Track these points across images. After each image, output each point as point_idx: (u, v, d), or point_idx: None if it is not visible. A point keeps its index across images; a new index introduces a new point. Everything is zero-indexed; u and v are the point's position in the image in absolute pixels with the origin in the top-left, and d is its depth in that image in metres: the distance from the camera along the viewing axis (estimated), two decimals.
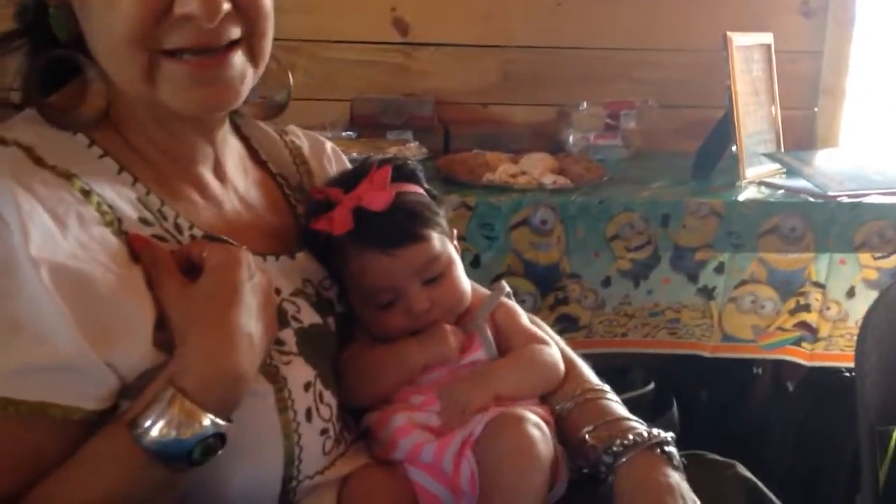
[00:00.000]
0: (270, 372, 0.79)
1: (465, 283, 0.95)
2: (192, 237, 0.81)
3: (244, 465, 0.76)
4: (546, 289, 1.74)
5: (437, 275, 0.91)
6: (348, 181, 0.93)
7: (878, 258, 1.75)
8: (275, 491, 0.79)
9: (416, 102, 2.14)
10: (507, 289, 0.99)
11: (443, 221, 0.94)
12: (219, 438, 0.71)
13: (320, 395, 0.83)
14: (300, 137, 1.04)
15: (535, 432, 0.83)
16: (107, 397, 0.71)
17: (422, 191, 0.95)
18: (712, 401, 2.17)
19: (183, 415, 0.69)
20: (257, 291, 0.77)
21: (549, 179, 1.80)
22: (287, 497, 0.80)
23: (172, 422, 0.69)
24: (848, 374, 1.84)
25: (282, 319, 0.83)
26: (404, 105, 2.14)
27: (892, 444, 1.43)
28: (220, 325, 0.73)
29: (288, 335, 0.83)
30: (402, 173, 0.93)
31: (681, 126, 2.22)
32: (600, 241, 1.73)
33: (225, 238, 0.80)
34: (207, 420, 0.70)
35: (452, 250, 0.95)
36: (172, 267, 0.75)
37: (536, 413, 0.88)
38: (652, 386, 1.99)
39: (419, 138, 2.04)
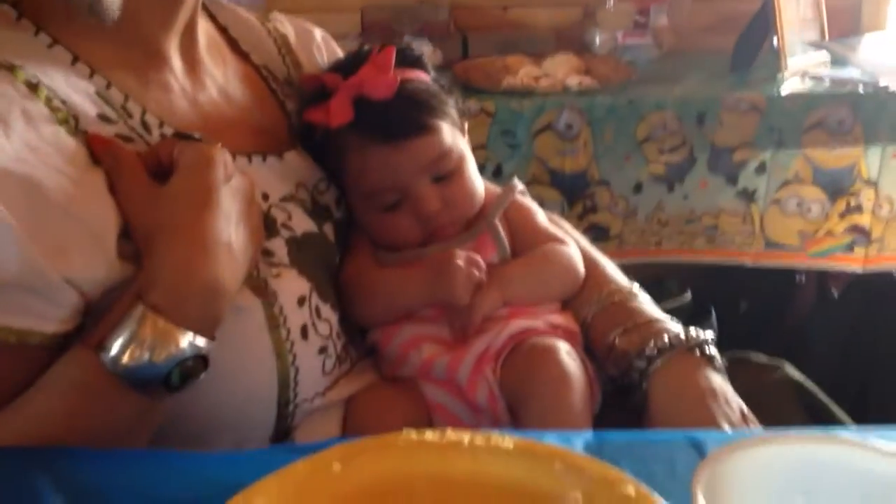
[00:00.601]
0: (258, 286, 0.71)
1: (479, 182, 0.85)
2: (163, 136, 0.71)
3: (233, 389, 0.69)
4: (573, 197, 1.64)
5: (447, 171, 0.82)
6: (347, 67, 0.82)
7: None
8: (270, 416, 0.71)
9: (431, 7, 2.03)
10: (521, 186, 0.89)
11: (453, 112, 0.84)
12: (199, 360, 0.63)
13: (317, 310, 0.74)
14: (285, 24, 0.93)
15: (568, 362, 0.75)
16: (68, 318, 0.63)
17: (429, 78, 0.85)
18: (753, 310, 2.08)
19: (156, 334, 0.61)
20: (237, 195, 0.67)
21: (573, 80, 1.69)
22: (284, 421, 0.73)
23: (145, 342, 0.60)
24: None
25: (270, 227, 0.75)
26: (418, 11, 2.03)
27: None
28: (192, 231, 0.64)
29: (278, 245, 0.75)
30: (407, 58, 0.83)
31: (715, 21, 2.09)
32: (631, 143, 1.63)
33: (199, 136, 0.70)
34: (185, 339, 0.62)
35: (464, 145, 0.85)
36: (138, 169, 0.66)
37: (557, 323, 0.80)
38: (689, 295, 1.90)
39: (435, 45, 1.93)
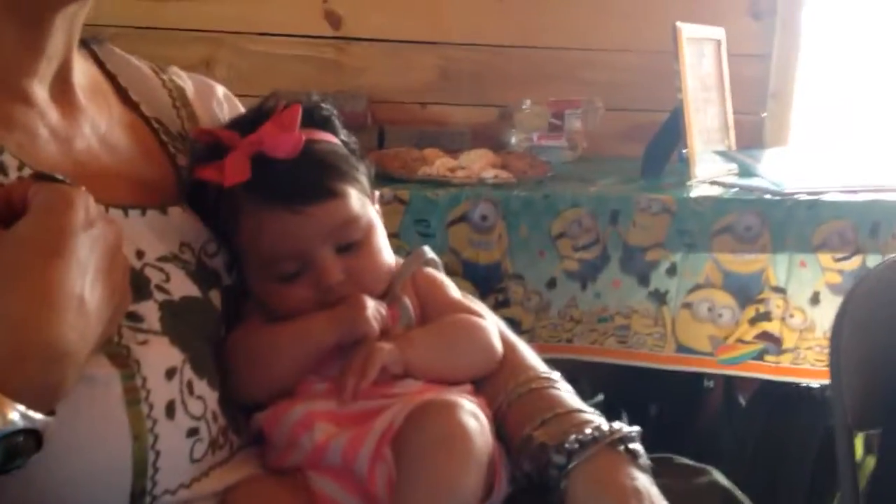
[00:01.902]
0: (118, 353, 0.62)
1: (388, 254, 0.79)
2: (21, 179, 0.63)
3: (75, 474, 0.58)
4: (486, 290, 1.59)
5: (354, 241, 0.75)
6: (247, 123, 0.76)
7: (839, 259, 1.65)
8: None
9: (349, 99, 2.01)
10: (431, 254, 0.84)
11: (363, 178, 0.79)
12: (31, 437, 0.53)
13: (189, 386, 0.65)
14: (183, 78, 0.87)
15: (469, 422, 0.66)
16: None
17: (338, 141, 0.79)
18: (663, 414, 2.05)
19: None
20: (97, 244, 0.58)
21: (490, 174, 1.68)
22: None
23: None
24: (805, 384, 1.75)
25: (141, 288, 0.66)
26: (335, 102, 1.97)
27: (860, 448, 1.31)
28: (35, 280, 0.54)
29: (149, 309, 0.66)
30: (315, 118, 0.78)
31: (627, 129, 2.14)
32: (545, 239, 1.60)
33: (62, 177, 0.61)
34: (14, 412, 0.51)
35: (374, 214, 0.79)
36: None
37: (469, 399, 0.72)
38: (601, 397, 1.86)
39: (352, 135, 1.90)
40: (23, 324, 0.53)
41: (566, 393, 0.77)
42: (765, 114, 2.22)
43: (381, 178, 1.66)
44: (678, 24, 1.77)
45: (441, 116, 2.14)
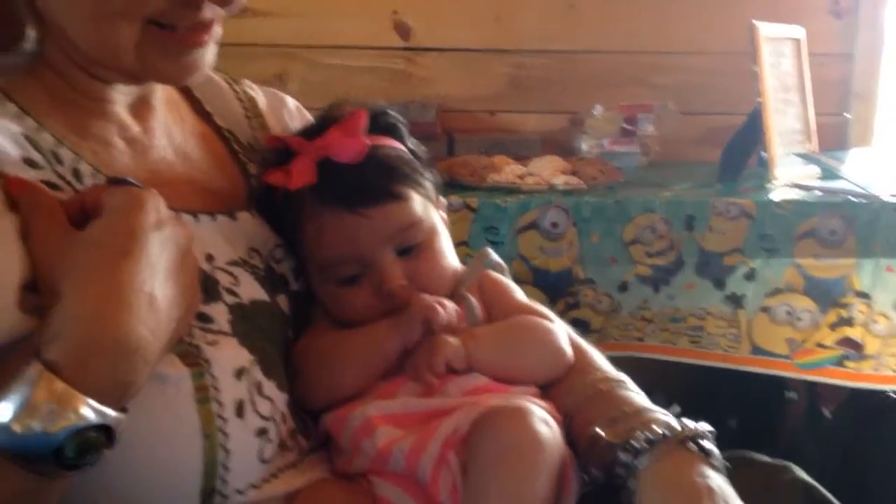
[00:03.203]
0: (189, 352, 0.62)
1: (452, 259, 0.78)
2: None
3: (149, 470, 0.59)
4: (556, 296, 1.57)
5: (415, 244, 0.75)
6: (313, 129, 0.77)
7: None
8: None
9: (419, 109, 2.03)
10: (495, 257, 0.82)
11: (427, 184, 0.78)
12: (103, 432, 0.54)
13: (258, 386, 0.66)
14: (255, 89, 0.89)
15: (542, 429, 0.65)
16: None
17: (403, 147, 0.79)
18: (742, 428, 1.98)
19: (52, 398, 0.52)
20: (168, 244, 0.60)
21: (559, 180, 1.66)
22: None
23: (37, 408, 0.51)
24: (894, 394, 1.67)
25: (211, 290, 0.67)
26: (405, 112, 2.00)
27: None
28: (107, 279, 0.55)
29: (218, 311, 0.67)
30: (381, 125, 0.78)
31: (702, 134, 2.10)
32: (617, 245, 1.57)
33: (133, 180, 0.63)
34: (86, 407, 0.52)
35: (437, 219, 0.79)
36: (57, 212, 0.59)
37: (538, 404, 0.70)
38: (677, 409, 1.81)
39: (421, 145, 1.90)
40: (94, 321, 0.54)
41: (635, 394, 0.74)
42: (848, 115, 2.14)
43: (451, 186, 1.66)
44: (755, 22, 1.72)
45: (511, 124, 2.13)
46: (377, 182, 0.73)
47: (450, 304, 0.73)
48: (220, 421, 0.62)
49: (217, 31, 0.68)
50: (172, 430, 0.60)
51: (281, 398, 0.68)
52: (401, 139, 0.79)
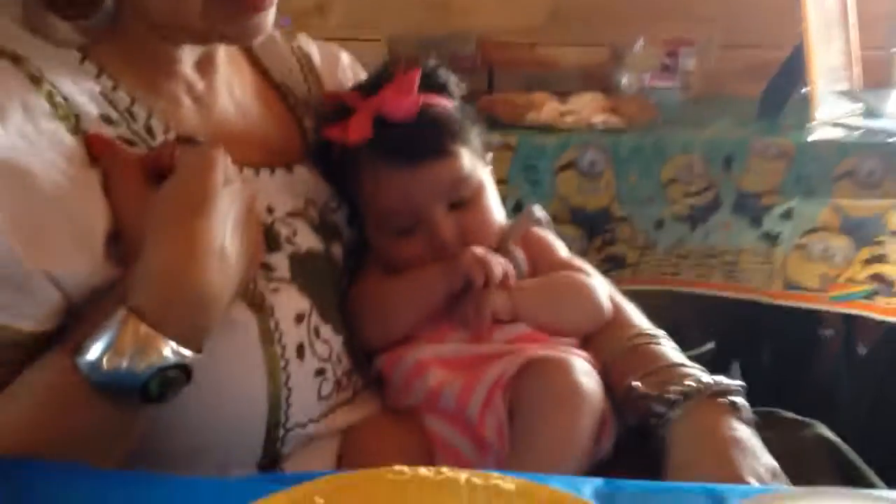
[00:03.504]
0: (254, 299, 0.68)
1: (499, 213, 0.82)
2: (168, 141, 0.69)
3: (219, 406, 0.65)
4: (593, 232, 1.61)
5: (465, 198, 0.79)
6: (368, 86, 0.81)
7: None
8: (257, 439, 0.67)
9: (457, 40, 2.03)
10: (540, 213, 0.86)
11: (475, 140, 0.82)
12: (182, 371, 0.60)
13: (316, 330, 0.71)
14: (310, 45, 0.92)
15: (585, 380, 0.70)
16: (47, 317, 0.60)
17: (453, 104, 0.82)
18: (776, 364, 2.02)
19: (137, 340, 0.57)
20: (236, 201, 0.64)
21: (599, 118, 1.67)
22: (274, 447, 0.68)
23: (124, 348, 0.57)
24: None
25: (272, 241, 0.72)
26: (444, 44, 2.02)
27: None
28: (184, 233, 0.60)
29: (279, 259, 0.72)
30: (432, 82, 0.81)
31: (744, 68, 2.07)
32: (655, 185, 1.59)
33: (202, 140, 0.68)
34: (167, 348, 0.58)
35: (486, 174, 0.82)
36: (135, 169, 0.64)
37: (580, 355, 0.75)
38: (711, 345, 1.84)
39: (460, 79, 1.90)
40: (174, 273, 0.60)
41: (670, 349, 0.78)
42: (894, 49, 2.10)
43: (490, 124, 1.66)
44: None
45: (551, 57, 2.13)
46: (430, 138, 0.77)
47: (499, 260, 0.76)
48: (283, 362, 0.67)
49: None
50: (241, 369, 0.66)
51: (337, 340, 0.73)
52: (450, 96, 0.82)
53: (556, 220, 1.57)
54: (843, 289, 1.62)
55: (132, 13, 0.68)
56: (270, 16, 0.71)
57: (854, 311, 1.66)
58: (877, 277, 1.61)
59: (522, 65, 2.09)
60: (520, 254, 0.81)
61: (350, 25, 2.05)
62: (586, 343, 0.80)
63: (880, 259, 1.61)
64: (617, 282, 0.86)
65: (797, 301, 1.63)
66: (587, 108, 1.74)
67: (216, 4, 0.66)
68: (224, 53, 0.78)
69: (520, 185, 1.58)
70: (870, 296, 1.63)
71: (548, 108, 1.71)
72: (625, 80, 1.98)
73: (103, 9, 0.66)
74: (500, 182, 1.63)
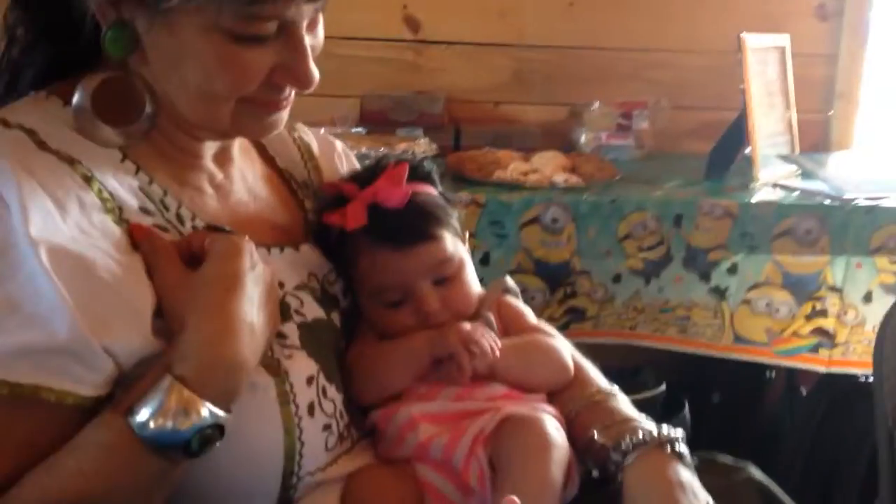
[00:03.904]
0: (272, 365, 0.78)
1: (476, 285, 0.93)
2: (194, 228, 0.80)
3: (243, 457, 0.75)
4: (555, 286, 1.72)
5: (448, 275, 0.90)
6: (364, 177, 0.92)
7: (895, 262, 1.72)
8: (274, 486, 0.77)
9: (427, 99, 2.13)
10: (511, 283, 0.97)
11: (456, 224, 0.94)
12: (217, 429, 0.70)
13: (323, 390, 0.81)
14: (308, 135, 1.03)
15: (555, 434, 0.82)
16: (103, 384, 0.69)
17: (436, 192, 0.94)
18: (724, 404, 2.14)
19: (181, 404, 0.67)
20: (259, 282, 0.76)
21: (560, 177, 1.78)
22: (287, 493, 0.78)
23: (170, 411, 0.67)
24: (863, 379, 1.82)
25: (284, 313, 0.82)
26: (414, 102, 2.12)
27: None
28: (220, 312, 0.71)
29: (290, 329, 0.82)
30: (419, 173, 0.93)
31: (694, 127, 2.21)
32: (612, 240, 1.72)
33: (228, 228, 0.79)
34: (206, 410, 0.68)
35: (465, 253, 0.94)
36: (173, 255, 0.74)
37: (548, 411, 0.86)
38: (663, 387, 1.96)
39: (429, 136, 2.02)
40: (213, 346, 0.71)
41: (623, 404, 0.91)
42: (831, 112, 2.27)
43: (459, 181, 1.78)
44: (743, 35, 1.84)
45: (514, 115, 2.24)
46: (419, 225, 0.88)
47: (484, 336, 0.87)
48: (297, 419, 0.78)
49: (292, 97, 0.81)
50: (262, 426, 0.76)
51: (339, 398, 0.83)
52: (434, 184, 0.94)
53: (521, 272, 1.69)
54: (788, 343, 1.76)
55: (168, 118, 0.79)
56: (286, 114, 0.82)
57: (800, 365, 1.79)
58: (819, 331, 1.76)
59: (487, 122, 2.19)
60: (492, 318, 0.92)
61: (324, 81, 2.14)
62: (552, 399, 0.91)
63: (822, 313, 1.75)
64: (578, 334, 0.98)
65: (745, 355, 1.77)
66: (549, 165, 1.85)
67: (242, 111, 0.77)
68: (238, 144, 0.89)
69: (487, 238, 1.69)
70: (814, 349, 1.77)
71: (513, 167, 1.82)
72: (583, 138, 2.10)
73: (144, 115, 0.76)
74: (470, 235, 1.75)
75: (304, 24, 0.76)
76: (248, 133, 0.84)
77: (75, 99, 0.75)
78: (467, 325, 0.87)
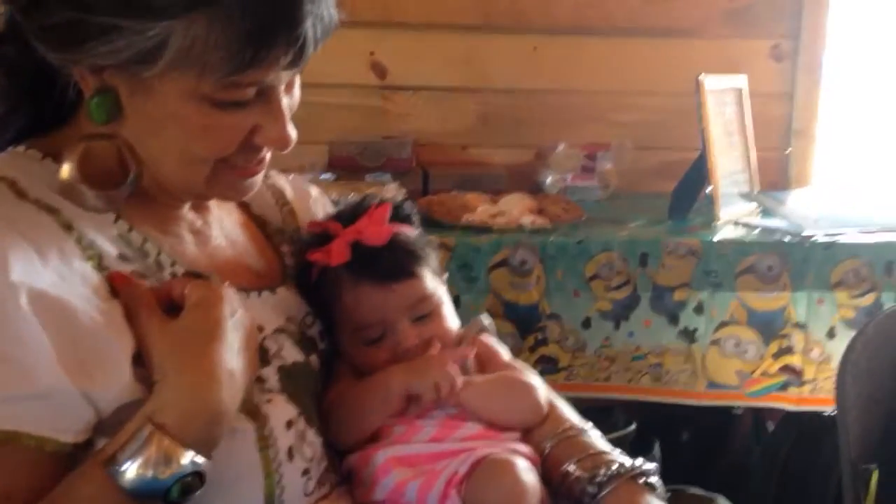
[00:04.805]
0: (251, 410, 0.78)
1: (454, 322, 0.95)
2: (174, 274, 0.81)
3: (224, 502, 0.75)
4: (526, 330, 1.73)
5: (427, 312, 0.92)
6: (347, 217, 0.94)
7: (855, 297, 1.77)
8: None
9: (395, 144, 2.15)
10: (488, 322, 0.99)
11: (434, 263, 0.96)
12: (197, 477, 0.70)
13: (303, 434, 0.81)
14: (282, 180, 1.05)
15: (526, 477, 0.82)
16: (82, 430, 0.70)
17: (416, 232, 0.96)
18: (694, 441, 2.16)
19: (161, 452, 0.68)
20: (239, 328, 0.76)
21: (527, 220, 1.81)
22: None
23: (150, 460, 0.67)
24: (829, 413, 1.85)
25: (263, 357, 0.82)
26: (382, 147, 2.15)
27: (874, 481, 1.42)
28: (200, 360, 0.72)
29: (270, 373, 0.82)
30: (399, 214, 0.95)
31: (657, 167, 2.26)
32: (579, 281, 1.74)
33: (207, 274, 0.79)
34: (186, 458, 0.69)
35: (443, 292, 0.96)
36: (152, 303, 0.75)
37: (522, 452, 0.87)
38: (633, 427, 1.98)
39: (397, 180, 2.04)
40: (193, 394, 0.71)
41: (596, 439, 0.93)
42: (789, 150, 2.33)
43: (428, 225, 1.79)
44: (701, 77, 1.89)
45: (481, 158, 2.27)
46: (400, 262, 0.91)
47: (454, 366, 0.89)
48: (276, 464, 0.78)
49: (268, 158, 0.83)
50: (241, 471, 0.76)
51: (318, 442, 0.84)
52: (413, 225, 0.96)
53: (491, 315, 1.69)
54: (758, 383, 1.79)
55: (149, 178, 0.81)
56: (262, 175, 0.84)
57: (771, 405, 1.82)
58: (787, 369, 1.79)
59: (455, 165, 2.22)
60: (470, 362, 0.93)
61: (295, 129, 2.16)
62: (526, 435, 0.92)
63: (788, 351, 1.78)
64: (552, 386, 0.99)
65: (719, 401, 1.79)
66: (516, 207, 1.87)
67: (218, 175, 0.79)
68: None
69: (457, 282, 1.70)
70: (783, 387, 1.80)
71: (481, 210, 1.85)
72: (549, 179, 2.13)
73: (128, 181, 0.78)
74: None
75: (282, 87, 0.78)
76: (224, 196, 0.86)
77: (63, 171, 0.76)
78: (438, 352, 0.89)
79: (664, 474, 0.89)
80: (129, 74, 0.74)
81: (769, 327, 1.77)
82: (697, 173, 1.92)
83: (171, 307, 0.75)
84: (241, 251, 0.92)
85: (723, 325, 1.77)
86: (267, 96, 0.77)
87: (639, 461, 0.86)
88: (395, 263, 0.90)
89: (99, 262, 0.75)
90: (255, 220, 0.97)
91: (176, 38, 0.70)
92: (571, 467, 0.87)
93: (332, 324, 0.93)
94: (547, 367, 1.73)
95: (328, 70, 2.16)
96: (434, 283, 0.93)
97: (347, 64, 2.19)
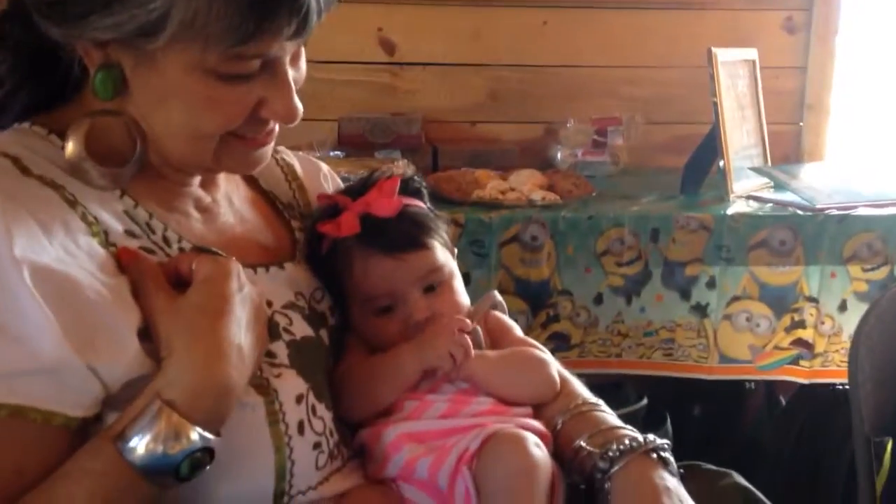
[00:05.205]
0: (261, 384, 0.78)
1: (464, 296, 0.95)
2: (181, 250, 0.81)
3: (234, 479, 0.75)
4: (537, 306, 1.73)
5: (437, 283, 0.91)
6: (356, 190, 0.93)
7: (868, 270, 1.76)
8: None
9: (404, 121, 2.14)
10: (499, 298, 0.98)
11: (445, 235, 0.95)
12: (207, 453, 0.70)
13: (313, 408, 0.81)
14: (291, 157, 1.04)
15: (536, 452, 0.82)
16: (89, 405, 0.70)
17: (425, 206, 0.95)
18: (705, 415, 2.16)
19: (170, 429, 0.68)
20: (247, 303, 0.76)
21: (538, 195, 1.80)
22: None
23: (159, 436, 0.68)
24: (841, 387, 1.85)
25: (273, 332, 0.82)
26: (391, 124, 2.14)
27: (888, 454, 1.42)
28: (209, 336, 0.72)
29: (279, 347, 0.82)
30: (409, 188, 0.95)
31: (667, 141, 2.25)
32: (590, 256, 1.73)
33: (214, 250, 0.79)
34: (195, 434, 0.69)
35: (454, 265, 0.95)
36: (160, 278, 0.75)
37: (533, 428, 0.87)
38: (645, 401, 1.98)
39: (407, 157, 2.04)
40: (202, 370, 0.71)
41: (608, 414, 0.92)
42: (802, 123, 2.31)
43: (438, 201, 1.79)
44: (713, 49, 1.87)
45: (490, 134, 2.26)
46: (410, 233, 0.90)
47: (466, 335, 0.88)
48: (286, 438, 0.78)
49: (276, 130, 0.83)
50: (252, 446, 0.76)
51: (328, 416, 0.84)
52: (423, 200, 0.96)
53: (503, 291, 1.69)
54: (771, 357, 1.79)
55: (156, 154, 0.80)
56: (271, 147, 0.83)
57: (783, 378, 1.82)
58: (799, 342, 1.79)
59: (464, 142, 2.21)
60: (480, 329, 0.93)
61: (302, 107, 2.15)
62: (538, 411, 0.92)
63: (800, 325, 1.78)
64: (563, 363, 0.99)
65: (731, 375, 1.79)
66: (526, 183, 1.87)
67: (226, 147, 0.79)
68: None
69: (468, 258, 1.70)
70: (794, 360, 1.80)
71: (491, 186, 1.84)
72: (559, 155, 2.13)
73: (134, 157, 0.77)
74: None
75: (287, 58, 0.77)
76: (233, 168, 0.85)
77: (68, 148, 0.76)
78: (448, 321, 0.88)
79: (675, 450, 0.89)
80: (132, 48, 0.73)
81: (781, 301, 1.76)
82: (709, 147, 1.91)
83: (179, 283, 0.75)
84: (250, 227, 0.91)
85: (735, 299, 1.76)
86: (272, 69, 0.76)
87: (651, 436, 0.86)
88: (404, 234, 0.90)
89: (105, 238, 0.75)
90: (265, 196, 0.97)
91: (178, 10, 0.70)
92: (583, 442, 0.87)
93: (343, 297, 0.93)
94: (559, 345, 1.73)
95: (336, 47, 2.18)
96: (445, 256, 0.93)
97: (356, 40, 2.19)
